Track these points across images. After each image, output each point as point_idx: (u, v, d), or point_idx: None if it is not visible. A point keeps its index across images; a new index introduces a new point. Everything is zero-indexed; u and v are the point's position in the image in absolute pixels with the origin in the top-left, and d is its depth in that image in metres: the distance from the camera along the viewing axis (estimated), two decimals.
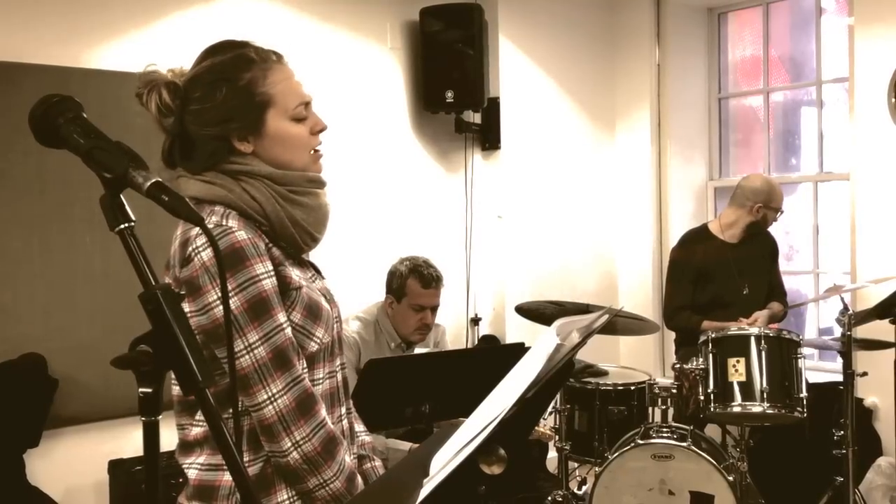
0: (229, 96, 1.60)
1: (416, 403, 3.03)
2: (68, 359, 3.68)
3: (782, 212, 4.31)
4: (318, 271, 1.77)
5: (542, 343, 1.41)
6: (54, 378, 3.64)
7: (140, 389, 1.11)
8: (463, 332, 5.06)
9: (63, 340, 3.69)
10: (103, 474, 3.67)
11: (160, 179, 1.14)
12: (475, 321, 5.09)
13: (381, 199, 4.69)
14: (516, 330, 4.79)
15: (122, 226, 1.14)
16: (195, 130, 1.61)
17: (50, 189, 3.66)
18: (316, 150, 1.70)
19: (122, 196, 1.15)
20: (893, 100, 4.37)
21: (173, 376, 1.54)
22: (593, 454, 3.66)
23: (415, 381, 3.04)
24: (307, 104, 1.68)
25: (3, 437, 3.49)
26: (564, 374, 1.57)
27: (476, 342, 5.04)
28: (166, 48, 4.00)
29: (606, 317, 1.70)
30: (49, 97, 1.21)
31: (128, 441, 3.67)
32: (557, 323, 1.48)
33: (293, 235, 1.62)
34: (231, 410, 1.54)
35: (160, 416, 1.13)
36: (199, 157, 1.62)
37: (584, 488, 3.86)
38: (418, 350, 3.60)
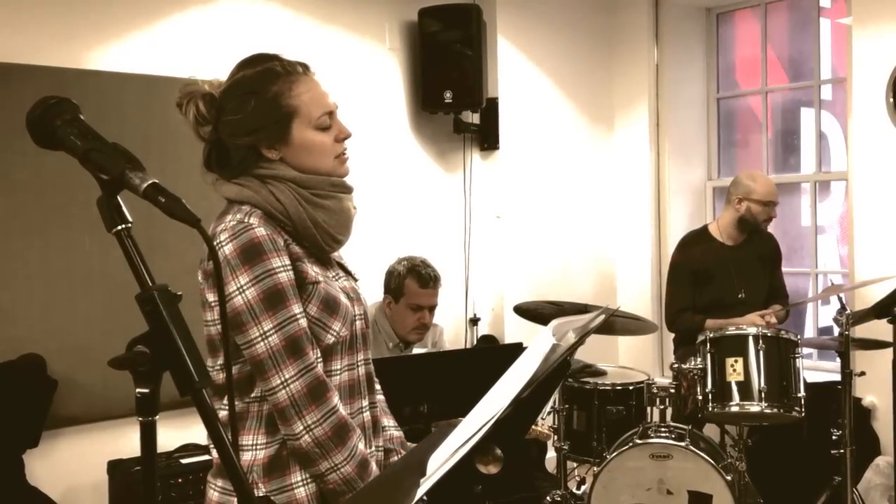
0: (257, 108, 1.71)
1: (415, 403, 3.03)
2: (67, 359, 3.68)
3: (774, 204, 4.19)
4: (348, 272, 1.88)
5: (538, 343, 1.42)
6: (53, 379, 3.65)
7: (137, 390, 1.12)
8: (462, 333, 5.06)
9: (62, 341, 3.69)
10: (102, 475, 3.67)
11: (157, 181, 1.16)
12: (474, 321, 5.09)
13: (379, 200, 4.68)
14: (515, 330, 4.79)
15: (120, 227, 1.15)
16: (228, 140, 1.72)
17: (49, 190, 3.66)
18: (341, 154, 1.79)
19: (119, 197, 1.16)
20: (891, 99, 4.36)
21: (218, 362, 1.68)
22: (592, 454, 3.66)
23: (413, 381, 3.05)
24: (331, 113, 1.78)
25: (2, 438, 3.49)
26: (561, 374, 1.57)
27: (475, 342, 5.04)
28: (165, 49, 4.01)
29: (603, 316, 1.71)
30: (46, 99, 1.21)
31: (127, 441, 3.66)
32: (553, 323, 1.49)
33: (315, 236, 1.72)
34: (252, 395, 1.68)
35: (157, 417, 1.14)
36: (232, 164, 1.74)
37: (582, 488, 3.85)
38: (416, 350, 3.61)
